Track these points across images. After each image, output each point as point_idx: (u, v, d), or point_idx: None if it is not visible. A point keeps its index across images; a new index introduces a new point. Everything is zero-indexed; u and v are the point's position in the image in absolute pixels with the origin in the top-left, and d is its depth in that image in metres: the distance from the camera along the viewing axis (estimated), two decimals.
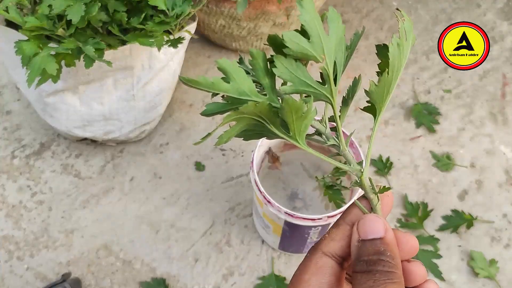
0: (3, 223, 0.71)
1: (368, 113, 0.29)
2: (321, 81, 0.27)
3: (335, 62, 0.26)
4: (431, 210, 0.73)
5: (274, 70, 0.24)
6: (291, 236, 0.62)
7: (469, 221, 0.72)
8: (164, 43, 0.57)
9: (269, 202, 0.55)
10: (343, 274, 0.29)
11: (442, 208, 0.73)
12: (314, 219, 0.54)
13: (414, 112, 0.83)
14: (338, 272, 0.28)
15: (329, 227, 0.29)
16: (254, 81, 0.25)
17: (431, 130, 0.81)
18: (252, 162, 0.58)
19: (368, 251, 0.26)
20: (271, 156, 0.67)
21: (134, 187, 0.74)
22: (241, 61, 0.27)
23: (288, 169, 0.72)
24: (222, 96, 0.25)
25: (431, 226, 0.72)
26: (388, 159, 0.77)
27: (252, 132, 0.26)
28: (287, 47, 0.24)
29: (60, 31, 0.52)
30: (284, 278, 0.67)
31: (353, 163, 0.29)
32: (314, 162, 0.72)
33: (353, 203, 0.29)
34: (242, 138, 0.27)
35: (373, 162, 0.77)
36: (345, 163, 0.29)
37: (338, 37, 0.26)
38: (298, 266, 0.29)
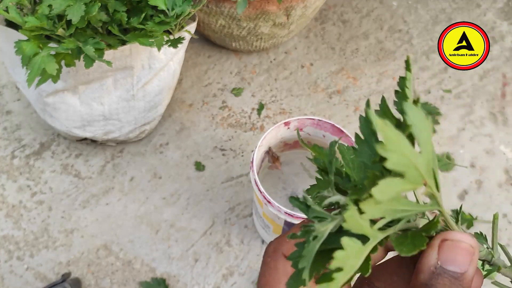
0: (3, 223, 0.71)
1: None
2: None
3: (433, 172, 0.21)
4: None
5: (364, 215, 0.19)
6: None
7: (469, 221, 0.72)
8: (164, 43, 0.57)
9: (269, 202, 0.55)
10: None
11: None
12: None
13: None
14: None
15: (293, 227, 0.26)
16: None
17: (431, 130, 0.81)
18: (252, 162, 0.58)
19: (445, 287, 0.21)
20: (271, 156, 0.67)
21: (134, 187, 0.74)
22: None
23: (288, 169, 0.72)
24: None
25: None
26: None
27: None
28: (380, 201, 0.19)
29: (60, 31, 0.52)
30: None
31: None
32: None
33: None
34: None
35: None
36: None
37: (429, 146, 0.20)
38: (262, 274, 0.25)
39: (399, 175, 0.18)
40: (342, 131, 0.60)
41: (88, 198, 0.73)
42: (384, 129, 0.18)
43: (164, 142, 0.79)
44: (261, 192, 0.56)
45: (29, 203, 0.72)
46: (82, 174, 0.75)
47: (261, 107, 0.82)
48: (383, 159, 0.18)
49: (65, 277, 0.66)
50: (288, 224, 0.58)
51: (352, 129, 0.80)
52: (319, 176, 0.25)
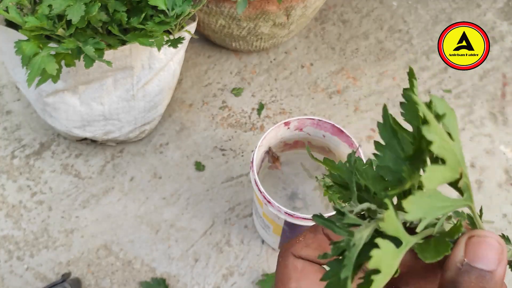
0: (3, 223, 0.71)
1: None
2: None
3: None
4: None
5: (407, 216, 0.19)
6: (291, 236, 0.62)
7: None
8: (164, 43, 0.57)
9: (269, 202, 0.55)
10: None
11: None
12: None
13: None
14: (321, 271, 0.25)
15: (305, 230, 0.26)
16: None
17: None
18: (252, 162, 0.58)
19: (471, 284, 0.21)
20: (271, 156, 0.67)
21: (134, 187, 0.74)
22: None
23: (288, 169, 0.72)
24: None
25: None
26: None
27: None
28: (427, 187, 0.19)
29: (60, 31, 0.52)
30: None
31: None
32: (315, 162, 0.72)
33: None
34: None
35: None
36: None
37: (458, 136, 0.21)
38: (276, 273, 0.26)
39: (440, 161, 0.19)
40: (342, 131, 0.60)
41: (88, 198, 0.73)
42: (427, 113, 0.18)
43: (164, 142, 0.79)
44: (261, 192, 0.56)
45: (29, 203, 0.72)
46: (82, 174, 0.75)
47: (261, 107, 0.82)
48: (419, 149, 0.18)
49: (65, 277, 0.66)
50: (288, 224, 0.58)
51: (352, 129, 0.80)
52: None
